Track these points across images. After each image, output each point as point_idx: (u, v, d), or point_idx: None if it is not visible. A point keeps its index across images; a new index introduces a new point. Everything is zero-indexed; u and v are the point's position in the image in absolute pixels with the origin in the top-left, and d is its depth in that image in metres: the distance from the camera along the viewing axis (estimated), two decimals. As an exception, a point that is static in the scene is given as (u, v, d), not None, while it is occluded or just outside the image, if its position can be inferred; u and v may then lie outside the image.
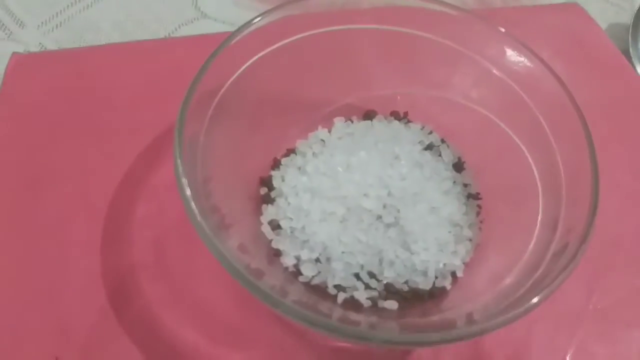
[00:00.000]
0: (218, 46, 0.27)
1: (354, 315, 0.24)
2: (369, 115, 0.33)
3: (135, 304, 0.27)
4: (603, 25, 0.43)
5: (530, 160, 0.28)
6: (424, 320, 0.24)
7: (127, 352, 0.26)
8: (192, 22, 0.41)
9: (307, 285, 0.26)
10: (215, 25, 0.41)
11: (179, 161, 0.22)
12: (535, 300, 0.21)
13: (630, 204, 0.32)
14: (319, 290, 0.26)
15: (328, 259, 0.26)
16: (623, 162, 0.34)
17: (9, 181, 0.31)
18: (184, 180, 0.22)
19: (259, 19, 0.28)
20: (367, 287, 0.26)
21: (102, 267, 0.28)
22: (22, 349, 0.26)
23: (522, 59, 0.30)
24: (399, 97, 0.33)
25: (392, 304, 0.25)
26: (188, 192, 0.22)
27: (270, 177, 0.30)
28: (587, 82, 0.38)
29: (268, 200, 0.29)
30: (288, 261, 0.26)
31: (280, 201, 0.28)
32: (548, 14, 0.43)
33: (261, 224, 0.28)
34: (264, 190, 0.30)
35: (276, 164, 0.31)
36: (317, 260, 0.27)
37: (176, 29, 0.40)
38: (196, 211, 0.21)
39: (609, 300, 0.28)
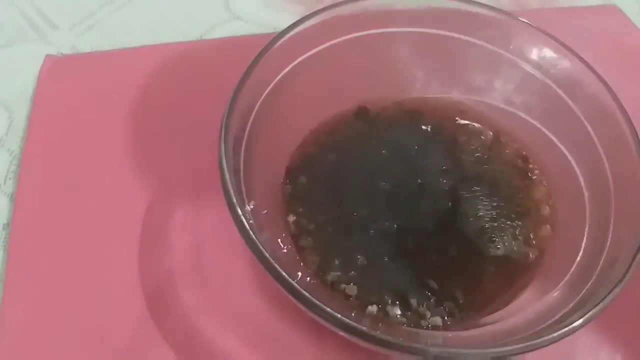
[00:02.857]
0: (262, 49, 0.27)
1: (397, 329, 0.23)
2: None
3: (173, 311, 0.27)
4: (642, 26, 0.42)
5: (576, 168, 0.27)
6: (467, 334, 0.24)
7: (166, 359, 0.26)
8: (223, 23, 0.40)
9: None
10: (246, 26, 0.40)
11: (226, 175, 0.22)
12: (581, 320, 0.20)
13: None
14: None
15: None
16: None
17: (48, 185, 0.31)
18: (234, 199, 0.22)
19: (300, 24, 0.28)
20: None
21: (141, 273, 0.28)
22: (64, 356, 0.25)
23: (565, 62, 0.29)
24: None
25: (435, 321, 0.25)
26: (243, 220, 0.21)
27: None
28: (628, 86, 0.37)
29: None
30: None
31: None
32: (586, 15, 0.42)
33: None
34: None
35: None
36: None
37: (208, 31, 0.40)
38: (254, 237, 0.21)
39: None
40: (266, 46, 0.27)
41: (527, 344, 0.20)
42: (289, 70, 0.28)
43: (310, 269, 0.26)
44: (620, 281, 0.21)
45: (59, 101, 0.35)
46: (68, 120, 0.34)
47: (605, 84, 0.27)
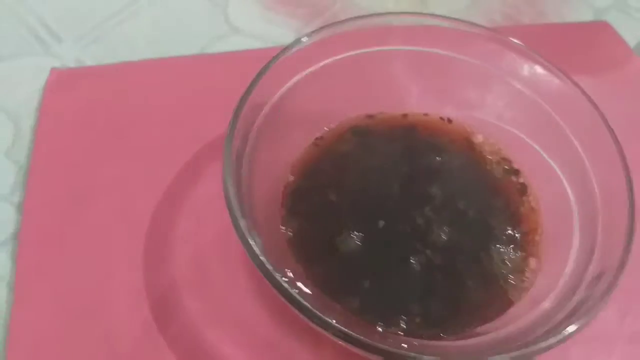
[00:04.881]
0: (265, 65, 0.28)
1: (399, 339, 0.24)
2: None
3: (177, 320, 0.28)
4: (632, 42, 0.43)
5: (565, 183, 0.28)
6: (463, 344, 0.25)
7: (170, 366, 0.27)
8: (223, 37, 0.42)
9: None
10: (246, 41, 0.42)
11: (229, 187, 0.23)
12: (573, 328, 0.21)
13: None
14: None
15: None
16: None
17: (55, 195, 0.32)
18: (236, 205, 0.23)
19: (304, 39, 0.29)
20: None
21: (145, 282, 0.29)
22: (71, 362, 0.26)
23: (553, 79, 0.30)
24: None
25: (433, 331, 0.26)
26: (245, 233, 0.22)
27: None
28: (617, 101, 0.38)
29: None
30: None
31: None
32: (577, 31, 0.43)
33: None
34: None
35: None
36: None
37: (208, 44, 0.41)
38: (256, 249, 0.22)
39: (640, 324, 0.28)
40: (266, 64, 0.28)
41: (524, 350, 0.21)
42: (289, 87, 0.30)
43: (310, 279, 0.27)
44: (608, 289, 0.22)
45: (64, 113, 0.35)
46: (74, 131, 0.35)
47: (592, 101, 0.28)
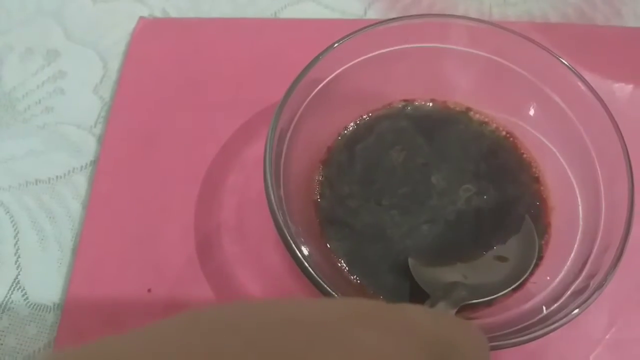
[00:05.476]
0: (325, 49, 0.31)
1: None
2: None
3: (216, 258, 0.33)
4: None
5: (578, 197, 0.30)
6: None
7: (205, 295, 0.32)
8: (297, 3, 0.44)
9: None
10: (317, 8, 0.44)
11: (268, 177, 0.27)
12: (541, 332, 0.24)
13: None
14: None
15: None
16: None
17: (130, 133, 0.37)
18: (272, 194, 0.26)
19: (370, 27, 0.32)
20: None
21: (195, 222, 0.34)
22: (124, 278, 0.32)
23: (583, 89, 0.31)
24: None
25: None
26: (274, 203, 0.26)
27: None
28: None
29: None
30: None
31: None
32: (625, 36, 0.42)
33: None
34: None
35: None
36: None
37: (282, 9, 0.44)
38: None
39: (626, 335, 0.31)
40: (328, 47, 0.31)
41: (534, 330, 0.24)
42: (345, 68, 0.32)
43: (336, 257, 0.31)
44: (583, 303, 0.25)
45: (147, 60, 0.40)
46: (153, 78, 0.39)
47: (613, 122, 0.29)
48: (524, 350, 0.30)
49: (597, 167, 0.29)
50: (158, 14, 0.43)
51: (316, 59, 0.30)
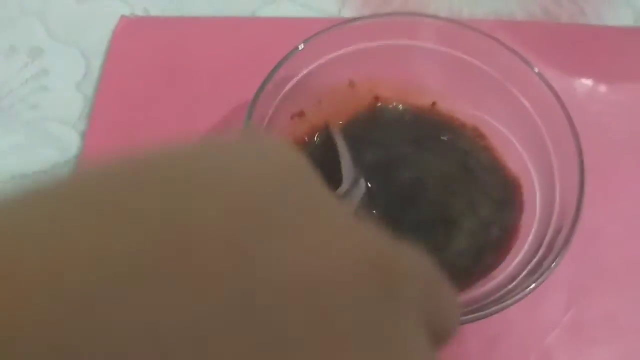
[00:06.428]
0: (293, 48, 0.32)
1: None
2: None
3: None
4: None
5: (536, 184, 0.32)
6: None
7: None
8: (274, 2, 0.46)
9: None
10: (294, 7, 0.45)
11: None
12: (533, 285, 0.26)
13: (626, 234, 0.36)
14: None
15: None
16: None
17: (112, 128, 0.38)
18: None
19: (338, 26, 0.33)
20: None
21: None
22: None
23: (540, 85, 0.32)
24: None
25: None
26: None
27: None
28: (626, 110, 0.40)
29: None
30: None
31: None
32: (610, 36, 0.44)
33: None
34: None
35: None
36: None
37: (260, 7, 0.45)
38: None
39: (582, 317, 0.33)
40: (293, 49, 0.32)
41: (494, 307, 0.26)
42: (315, 66, 0.34)
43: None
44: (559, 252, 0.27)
45: (128, 57, 0.41)
46: (135, 74, 0.41)
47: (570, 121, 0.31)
48: (486, 334, 0.32)
49: (552, 156, 0.31)
50: (139, 12, 0.45)
51: (286, 57, 0.32)
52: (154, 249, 0.10)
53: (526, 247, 0.30)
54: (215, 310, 0.09)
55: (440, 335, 0.14)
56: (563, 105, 0.30)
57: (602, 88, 0.42)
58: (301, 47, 0.32)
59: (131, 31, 0.43)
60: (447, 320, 0.15)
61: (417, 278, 0.13)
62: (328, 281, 0.11)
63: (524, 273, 0.28)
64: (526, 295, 0.26)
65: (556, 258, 0.27)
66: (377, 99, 0.36)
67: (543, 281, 0.26)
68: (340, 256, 0.12)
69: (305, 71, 0.34)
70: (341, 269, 0.11)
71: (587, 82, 0.41)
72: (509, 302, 0.26)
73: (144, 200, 0.11)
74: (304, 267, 0.11)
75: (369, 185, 0.33)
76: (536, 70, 0.32)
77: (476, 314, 0.26)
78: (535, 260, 0.28)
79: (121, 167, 0.12)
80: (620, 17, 0.46)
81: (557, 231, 0.28)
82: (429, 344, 0.13)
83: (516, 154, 0.34)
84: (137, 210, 0.10)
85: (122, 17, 0.43)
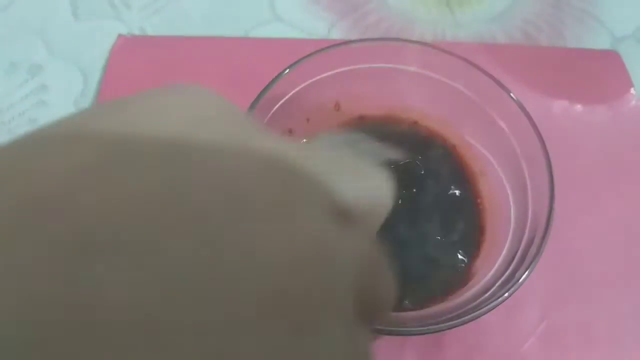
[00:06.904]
0: (283, 70, 0.34)
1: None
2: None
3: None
4: None
5: (511, 200, 0.34)
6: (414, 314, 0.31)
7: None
8: (267, 23, 0.48)
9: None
10: (286, 29, 0.47)
11: None
12: (506, 294, 0.28)
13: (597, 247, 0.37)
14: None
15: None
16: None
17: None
18: None
19: (330, 47, 0.35)
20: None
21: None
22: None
23: (514, 106, 0.34)
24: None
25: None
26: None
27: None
28: (599, 132, 0.42)
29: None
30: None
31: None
32: (586, 59, 0.47)
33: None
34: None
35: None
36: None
37: (253, 28, 0.47)
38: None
39: (556, 327, 0.34)
40: (289, 66, 0.34)
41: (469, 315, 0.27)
42: (303, 86, 0.36)
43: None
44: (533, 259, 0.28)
45: (125, 75, 0.43)
46: (130, 92, 0.41)
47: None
48: (465, 343, 0.34)
49: (526, 174, 0.33)
50: (136, 31, 0.46)
51: (275, 79, 0.34)
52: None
53: (500, 259, 0.32)
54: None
55: (376, 305, 0.15)
56: (535, 126, 0.32)
57: (579, 108, 0.44)
58: (286, 72, 0.34)
59: (128, 49, 0.44)
60: (383, 289, 0.16)
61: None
62: (245, 177, 0.13)
63: (498, 283, 0.30)
64: (499, 303, 0.28)
65: (527, 269, 0.28)
66: (362, 118, 0.38)
67: (515, 290, 0.28)
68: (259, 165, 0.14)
69: (293, 91, 0.36)
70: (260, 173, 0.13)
71: (564, 102, 0.43)
72: (483, 310, 0.28)
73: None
74: (225, 172, 0.13)
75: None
76: (512, 94, 0.33)
77: (454, 322, 0.28)
78: (508, 271, 0.30)
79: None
80: (598, 41, 0.49)
81: (529, 244, 0.30)
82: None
83: (492, 172, 0.35)
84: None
85: (120, 35, 0.45)
